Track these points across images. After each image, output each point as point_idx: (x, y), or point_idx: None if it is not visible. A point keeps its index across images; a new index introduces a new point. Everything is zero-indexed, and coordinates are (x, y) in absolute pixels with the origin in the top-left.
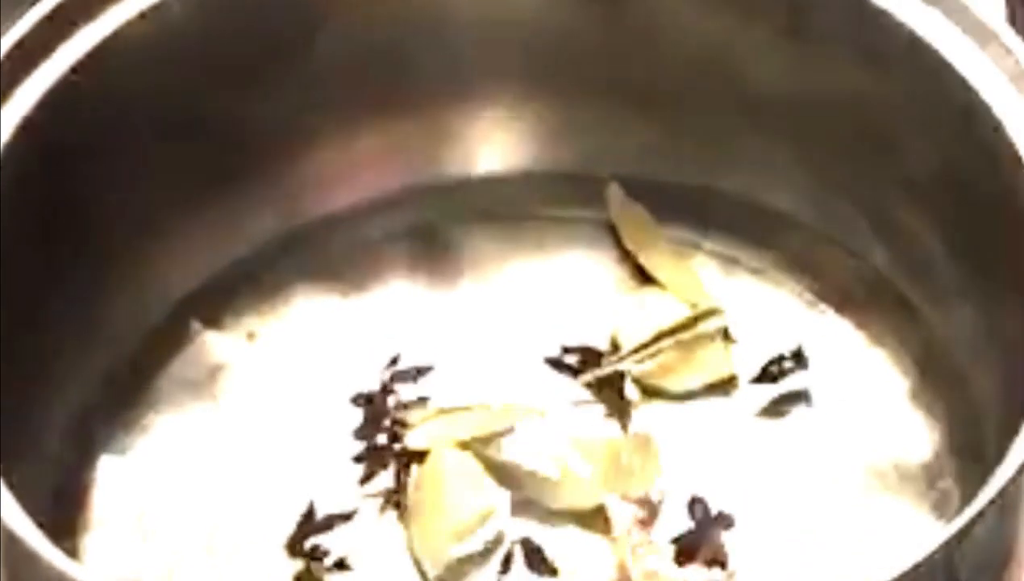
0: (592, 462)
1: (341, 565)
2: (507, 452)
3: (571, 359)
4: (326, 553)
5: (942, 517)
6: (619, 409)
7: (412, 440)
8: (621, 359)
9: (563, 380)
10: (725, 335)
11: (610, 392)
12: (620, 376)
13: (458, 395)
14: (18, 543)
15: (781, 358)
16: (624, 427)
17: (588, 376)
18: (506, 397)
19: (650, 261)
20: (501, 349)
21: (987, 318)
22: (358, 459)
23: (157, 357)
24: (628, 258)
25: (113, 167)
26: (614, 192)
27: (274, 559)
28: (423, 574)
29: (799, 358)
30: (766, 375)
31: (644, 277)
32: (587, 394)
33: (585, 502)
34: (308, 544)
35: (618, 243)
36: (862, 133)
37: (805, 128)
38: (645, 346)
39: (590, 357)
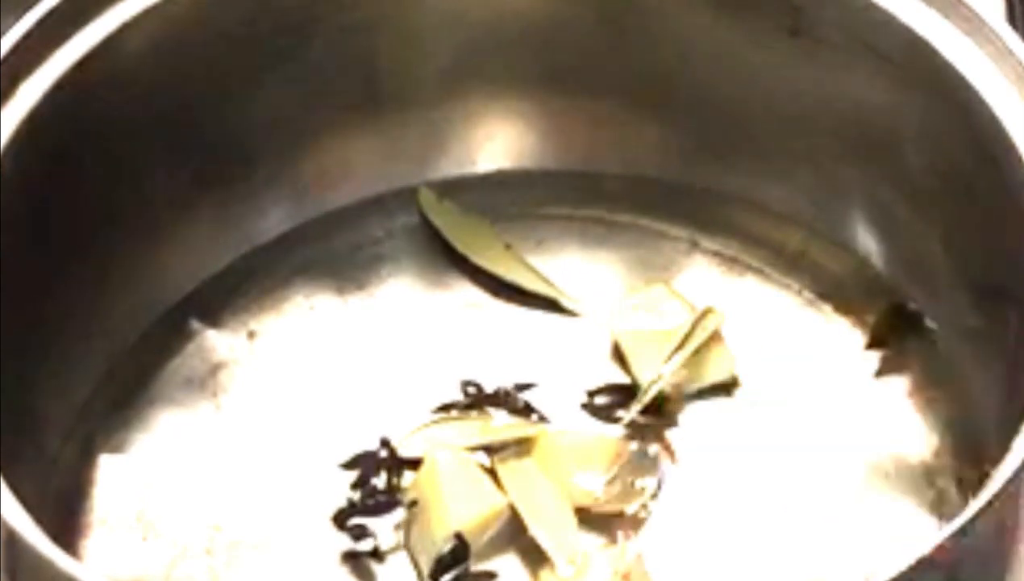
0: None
1: (376, 554)
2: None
3: (602, 400)
4: (369, 535)
5: (942, 517)
6: (662, 440)
7: (406, 448)
8: (650, 387)
9: (562, 381)
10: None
11: (653, 423)
12: (657, 404)
13: (456, 396)
14: (18, 543)
15: (886, 317)
16: (671, 454)
17: (631, 415)
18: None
19: (478, 256)
20: (501, 349)
21: (987, 318)
22: (349, 465)
23: (157, 356)
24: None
25: (113, 167)
26: (425, 196)
27: (274, 559)
28: (419, 573)
29: (902, 314)
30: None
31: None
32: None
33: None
34: (353, 521)
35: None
36: (862, 133)
37: (805, 128)
38: (673, 356)
39: (622, 393)
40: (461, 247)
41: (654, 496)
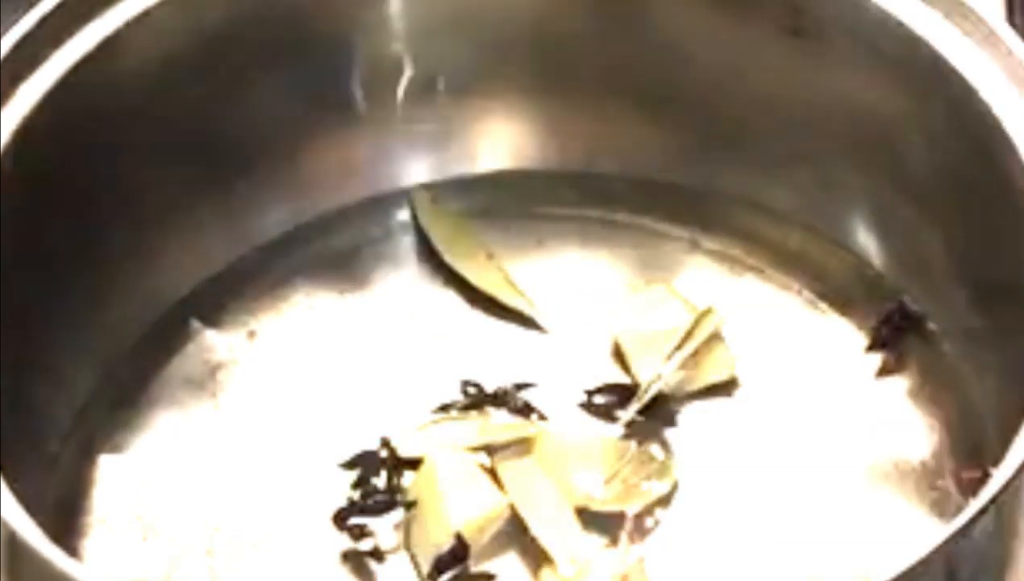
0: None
1: (376, 554)
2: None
3: (601, 399)
4: (369, 535)
5: (942, 517)
6: (662, 440)
7: (405, 448)
8: (649, 386)
9: (562, 381)
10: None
11: (651, 423)
12: (656, 401)
13: (456, 395)
14: (18, 543)
15: (886, 318)
16: (666, 450)
17: (629, 414)
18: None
19: (460, 263)
20: (501, 349)
21: (987, 318)
22: (349, 464)
23: (157, 356)
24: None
25: (112, 167)
26: (420, 197)
27: (274, 559)
28: (419, 573)
29: (902, 314)
30: (876, 341)
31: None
32: (598, 400)
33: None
34: (353, 521)
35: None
36: (862, 133)
37: (805, 128)
38: (673, 356)
39: (621, 393)
40: (445, 253)
41: (666, 504)
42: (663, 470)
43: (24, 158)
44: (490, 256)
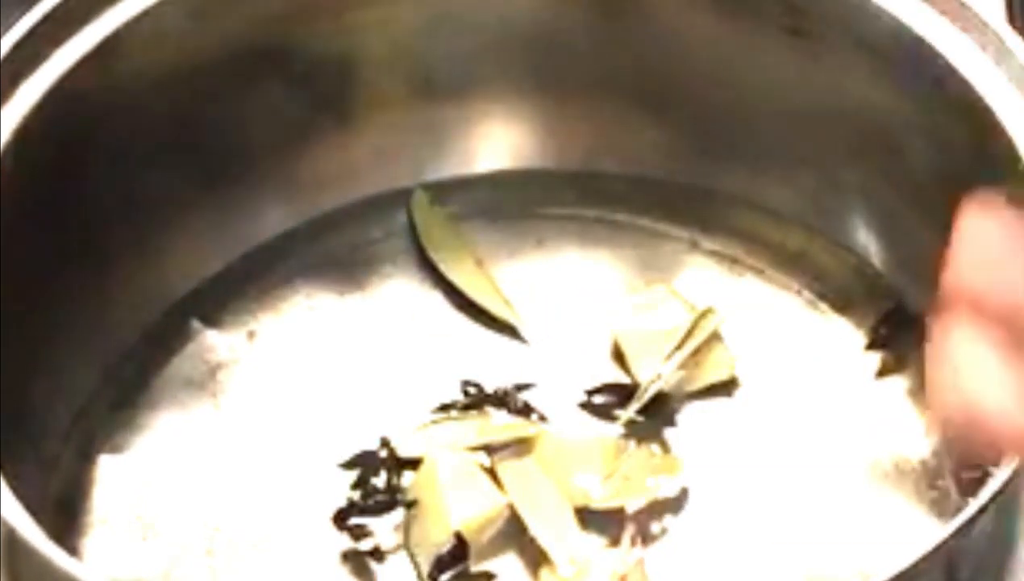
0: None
1: (376, 554)
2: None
3: (601, 399)
4: (369, 535)
5: (941, 517)
6: (661, 440)
7: (405, 448)
8: (649, 386)
9: (561, 381)
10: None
11: (651, 423)
12: (656, 401)
13: (456, 395)
14: (19, 542)
15: (886, 318)
16: (666, 450)
17: (628, 414)
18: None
19: (449, 268)
20: (501, 350)
21: None
22: (349, 464)
23: (157, 356)
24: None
25: (112, 167)
26: (420, 197)
27: (274, 559)
28: (419, 573)
29: (902, 314)
30: (876, 341)
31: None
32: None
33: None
34: (353, 521)
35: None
36: (862, 133)
37: (805, 128)
38: (673, 356)
39: (620, 393)
40: (436, 259)
41: (676, 511)
42: (670, 466)
43: (24, 158)
44: (479, 262)
